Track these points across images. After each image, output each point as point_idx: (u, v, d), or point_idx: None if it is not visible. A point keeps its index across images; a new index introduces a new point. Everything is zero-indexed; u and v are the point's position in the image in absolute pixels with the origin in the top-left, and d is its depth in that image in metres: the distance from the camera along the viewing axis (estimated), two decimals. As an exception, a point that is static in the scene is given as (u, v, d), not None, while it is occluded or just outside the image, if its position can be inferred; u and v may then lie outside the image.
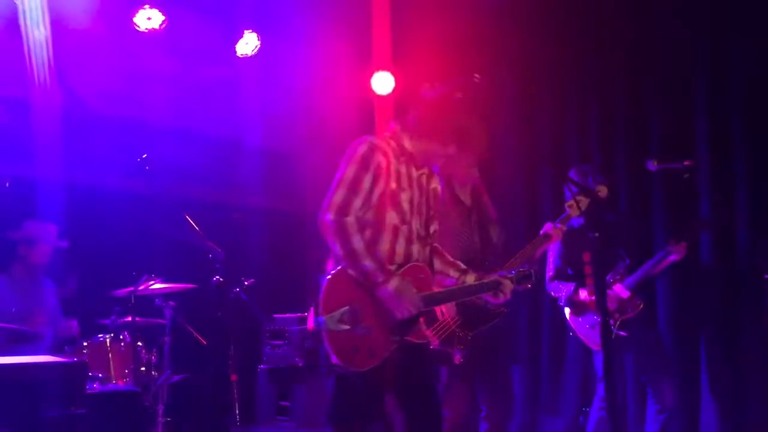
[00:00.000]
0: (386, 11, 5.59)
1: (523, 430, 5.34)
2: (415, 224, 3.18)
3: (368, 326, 3.01)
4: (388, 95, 5.79)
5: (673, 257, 4.26)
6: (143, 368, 4.77)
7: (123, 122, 5.61)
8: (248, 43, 5.57)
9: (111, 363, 4.57)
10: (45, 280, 5.08)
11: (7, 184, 3.96)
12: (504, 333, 4.01)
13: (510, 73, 5.49)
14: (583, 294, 4.33)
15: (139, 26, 5.18)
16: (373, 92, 5.82)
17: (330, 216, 3.02)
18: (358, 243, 3.00)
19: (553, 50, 5.35)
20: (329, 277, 3.00)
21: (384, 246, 3.09)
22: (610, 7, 5.16)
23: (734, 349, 4.66)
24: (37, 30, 4.80)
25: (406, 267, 3.13)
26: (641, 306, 4.30)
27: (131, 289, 4.71)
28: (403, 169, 3.17)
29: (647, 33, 5.05)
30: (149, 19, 5.16)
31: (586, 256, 4.23)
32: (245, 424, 4.38)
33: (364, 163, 3.07)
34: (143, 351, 4.84)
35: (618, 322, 4.24)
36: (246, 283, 5.03)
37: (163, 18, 5.18)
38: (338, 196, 3.05)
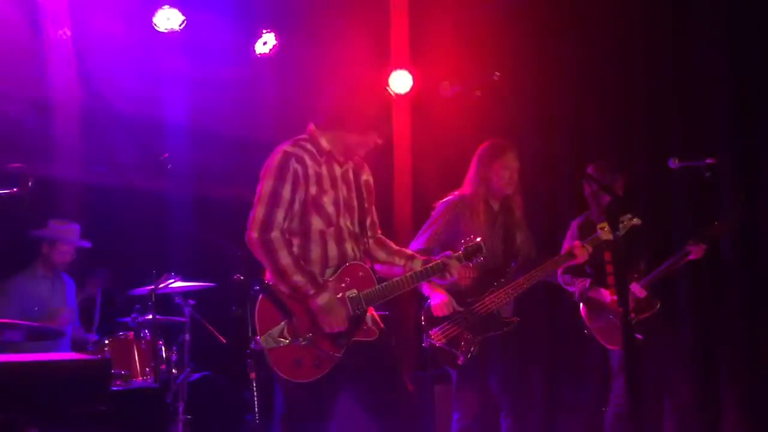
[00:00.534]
0: (404, 9, 5.59)
1: (542, 429, 5.33)
2: (345, 223, 3.16)
3: (309, 336, 3.01)
4: (407, 94, 5.78)
5: (691, 257, 4.23)
6: (164, 366, 4.79)
7: (143, 122, 5.64)
8: (266, 43, 5.59)
9: (133, 360, 4.61)
10: (67, 279, 5.13)
11: (30, 183, 3.98)
12: (519, 332, 3.99)
13: (529, 71, 5.46)
14: (602, 292, 4.31)
15: (158, 26, 5.22)
16: (391, 91, 5.81)
17: (254, 234, 3.03)
18: (285, 258, 3.00)
19: (572, 47, 5.32)
20: (260, 297, 3.01)
21: (315, 252, 3.09)
22: (630, 4, 5.13)
23: (756, 348, 4.63)
24: (59, 31, 4.85)
25: (342, 269, 3.12)
26: (658, 305, 4.27)
27: (152, 287, 4.74)
28: (324, 170, 3.14)
29: (669, 30, 5.01)
30: (169, 19, 5.20)
31: (607, 255, 4.21)
32: (264, 422, 4.38)
33: (280, 174, 3.06)
34: (164, 349, 4.87)
35: (634, 322, 4.22)
36: (266, 281, 5.03)
37: (182, 18, 5.22)
38: (260, 212, 3.05)
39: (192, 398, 4.80)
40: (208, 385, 5.14)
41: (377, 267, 3.30)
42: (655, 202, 5.01)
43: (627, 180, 4.42)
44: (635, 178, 4.79)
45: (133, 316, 4.82)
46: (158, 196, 5.41)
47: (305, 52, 5.77)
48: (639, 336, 4.13)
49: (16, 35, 4.84)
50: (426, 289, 3.94)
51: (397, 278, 3.23)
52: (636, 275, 4.29)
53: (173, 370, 4.78)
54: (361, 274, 3.15)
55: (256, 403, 4.62)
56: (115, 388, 4.36)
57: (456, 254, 3.29)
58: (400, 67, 5.74)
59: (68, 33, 4.31)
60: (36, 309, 4.79)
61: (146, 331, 4.76)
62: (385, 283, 3.20)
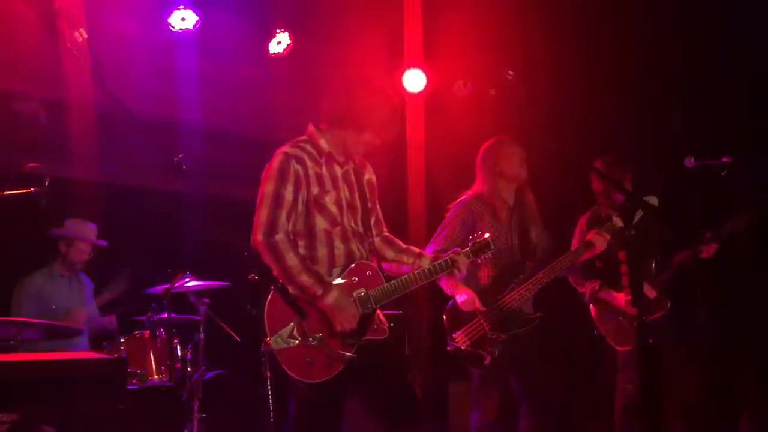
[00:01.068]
0: (418, 8, 5.59)
1: (559, 424, 5.32)
2: (349, 223, 3.17)
3: (319, 336, 3.01)
4: (420, 93, 5.78)
5: (703, 255, 4.21)
6: (179, 364, 4.83)
7: (158, 121, 5.67)
8: (280, 43, 5.61)
9: (148, 359, 4.64)
10: (84, 278, 5.18)
11: (47, 183, 4.02)
12: (541, 337, 3.98)
13: (543, 70, 5.45)
14: (613, 294, 4.29)
15: (173, 27, 5.24)
16: (404, 90, 5.82)
17: (259, 237, 3.06)
18: (291, 260, 3.02)
19: (586, 46, 5.31)
20: (269, 298, 3.02)
21: (321, 252, 3.11)
22: (644, 2, 5.10)
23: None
24: (75, 32, 4.88)
25: (350, 268, 3.12)
26: (668, 306, 4.25)
27: (167, 286, 4.77)
28: (324, 171, 3.16)
29: (683, 27, 4.98)
30: (183, 19, 5.23)
31: (621, 255, 4.19)
32: (279, 420, 4.41)
33: (281, 176, 3.08)
34: (179, 347, 4.90)
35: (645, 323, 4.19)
36: (280, 280, 5.06)
37: (196, 18, 5.24)
38: (263, 215, 3.07)
39: (207, 396, 4.83)
40: (223, 384, 5.17)
41: (385, 266, 3.31)
42: (669, 201, 4.98)
43: (636, 173, 4.40)
44: (649, 176, 4.77)
45: (148, 314, 4.85)
46: (173, 196, 5.44)
47: (319, 52, 5.79)
48: (650, 340, 4.12)
49: (33, 36, 4.88)
50: (449, 288, 3.94)
51: (405, 276, 3.22)
52: (647, 275, 4.27)
53: (188, 369, 4.82)
54: (369, 272, 3.16)
55: (270, 401, 4.65)
56: (131, 387, 4.40)
57: (464, 250, 3.29)
58: (414, 66, 5.74)
59: (84, 35, 4.34)
60: (53, 308, 4.83)
61: (161, 329, 4.79)
62: (393, 281, 3.20)
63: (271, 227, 3.04)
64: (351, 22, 5.71)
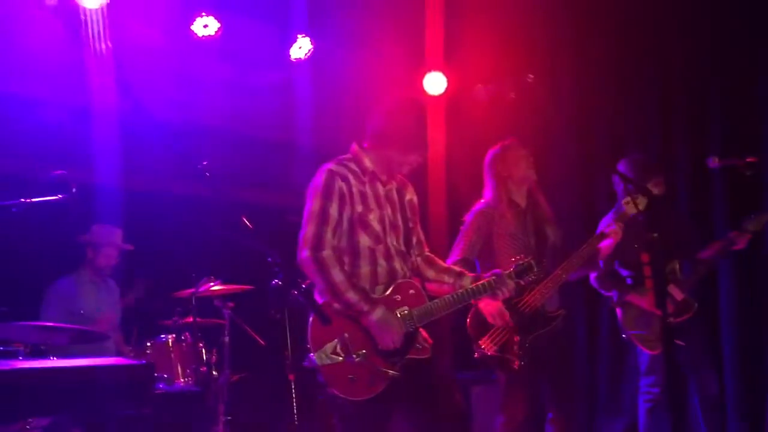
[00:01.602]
0: (439, 12, 5.59)
1: (584, 428, 5.30)
2: (392, 241, 3.18)
3: (363, 353, 3.02)
4: (441, 96, 5.78)
5: (736, 247, 4.16)
6: (204, 368, 4.87)
7: (180, 127, 5.73)
8: (301, 47, 5.64)
9: (174, 363, 4.69)
10: (111, 282, 5.25)
11: (74, 190, 4.08)
12: (564, 335, 3.98)
13: (566, 71, 5.43)
14: (641, 296, 4.26)
15: (196, 33, 5.29)
16: (425, 93, 5.82)
17: (306, 253, 3.08)
18: (338, 276, 3.03)
19: (610, 46, 5.27)
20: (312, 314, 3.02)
21: (364, 269, 3.12)
22: (668, 1, 5.07)
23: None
24: (99, 41, 4.95)
25: (393, 286, 3.13)
26: (696, 306, 4.22)
27: (192, 290, 4.82)
28: (368, 189, 3.18)
29: (709, 27, 4.94)
30: (206, 26, 5.27)
31: (645, 257, 4.16)
32: (303, 423, 4.43)
33: (327, 193, 3.11)
34: (204, 351, 4.95)
35: (672, 325, 4.16)
36: (303, 285, 5.09)
37: (218, 25, 5.28)
38: (309, 232, 3.09)
39: (232, 400, 4.87)
40: (248, 387, 5.21)
41: (426, 285, 3.30)
42: (694, 202, 4.94)
43: (661, 175, 4.36)
44: (674, 177, 4.74)
45: (174, 318, 4.90)
46: (197, 201, 5.48)
47: (340, 56, 5.81)
48: (679, 342, 4.09)
49: (58, 45, 4.95)
50: None
51: (449, 295, 3.22)
52: (673, 277, 4.24)
53: (213, 372, 4.86)
54: (411, 291, 3.16)
55: (294, 404, 4.68)
56: (157, 391, 4.45)
57: (507, 272, 3.27)
58: (435, 69, 5.75)
59: (109, 45, 4.41)
60: (81, 312, 4.90)
61: (187, 333, 4.84)
62: (436, 301, 3.19)
63: (318, 243, 3.06)
64: (372, 25, 5.73)
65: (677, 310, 4.19)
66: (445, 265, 3.39)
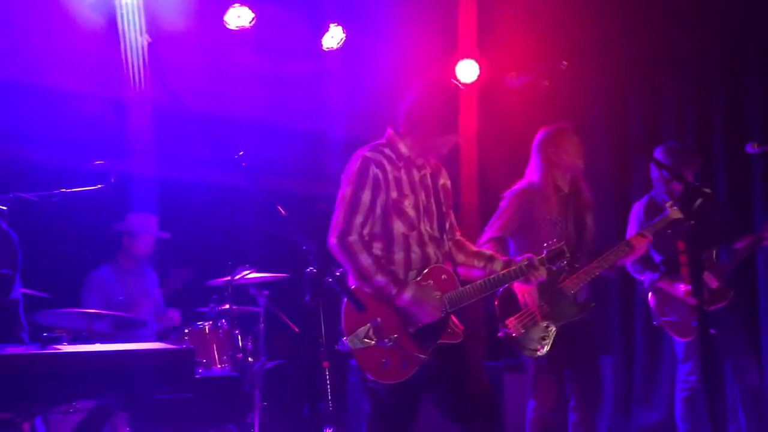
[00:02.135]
0: (473, -1, 5.57)
1: (616, 421, 5.29)
2: (425, 227, 3.18)
3: (395, 337, 3.04)
4: (473, 83, 5.77)
5: (766, 243, 4.13)
6: (240, 354, 4.94)
7: (214, 118, 5.79)
8: (334, 37, 5.65)
9: (211, 349, 4.76)
10: (148, 270, 5.35)
11: (113, 180, 4.17)
12: (593, 323, 3.96)
13: (600, 58, 5.37)
14: (674, 283, 4.24)
15: (229, 24, 5.34)
16: (457, 81, 5.81)
17: (333, 239, 3.10)
18: (365, 260, 3.05)
19: (645, 32, 5.22)
20: (345, 298, 3.06)
21: (398, 255, 3.13)
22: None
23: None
24: (135, 34, 5.02)
25: (426, 271, 3.13)
26: (732, 294, 4.18)
27: (228, 278, 4.89)
28: (403, 175, 3.17)
29: (746, 11, 4.86)
30: (239, 17, 5.31)
31: (681, 244, 4.13)
32: (337, 409, 4.49)
33: (360, 180, 3.11)
34: (240, 338, 5.02)
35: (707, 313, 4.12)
36: (337, 272, 5.14)
37: (252, 15, 5.32)
38: (339, 218, 3.12)
39: (267, 386, 4.94)
40: (283, 373, 5.28)
41: (457, 269, 3.30)
42: (732, 188, 4.89)
43: (697, 164, 4.32)
44: (712, 164, 4.69)
45: (210, 306, 4.98)
46: (231, 190, 5.55)
47: (373, 45, 5.81)
48: (712, 331, 4.06)
49: (95, 39, 5.03)
50: None
51: (481, 281, 3.22)
52: (708, 265, 4.21)
53: (249, 359, 4.92)
54: (444, 276, 3.17)
55: (329, 390, 4.74)
56: (197, 376, 4.53)
57: (539, 258, 3.26)
58: (468, 57, 5.73)
59: (149, 39, 4.48)
60: (121, 299, 5.00)
61: (223, 320, 4.91)
62: (468, 286, 3.20)
63: (346, 229, 3.08)
64: (404, 13, 5.72)
65: (712, 298, 4.16)
66: (475, 249, 3.39)
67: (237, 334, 4.91)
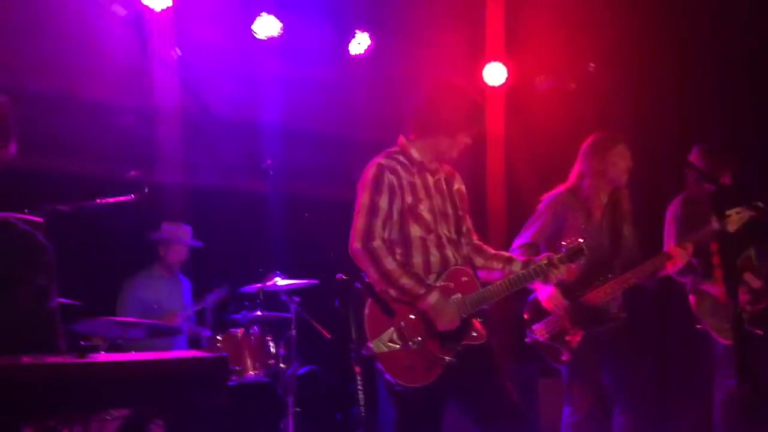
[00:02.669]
0: (500, 2, 5.55)
1: (654, 421, 5.22)
2: (443, 230, 3.19)
3: (419, 340, 3.05)
4: (501, 87, 5.76)
5: None
6: (272, 360, 4.98)
7: (243, 125, 5.84)
8: (360, 43, 5.68)
9: (244, 356, 4.80)
10: (183, 279, 5.41)
11: (146, 190, 4.24)
12: (626, 336, 3.91)
13: (628, 60, 5.33)
14: (713, 284, 4.17)
15: (257, 34, 5.39)
16: (485, 84, 5.80)
17: (357, 245, 3.11)
18: (390, 264, 3.07)
19: (673, 33, 5.16)
20: (368, 303, 3.07)
21: (417, 259, 3.14)
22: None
23: None
24: (166, 47, 5.10)
25: (446, 273, 3.15)
26: None
27: (260, 285, 4.93)
28: (417, 180, 3.19)
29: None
30: (267, 26, 5.36)
31: (714, 246, 4.07)
32: (370, 414, 4.51)
33: (376, 186, 3.13)
34: (271, 344, 5.06)
35: (750, 315, 4.06)
36: (366, 279, 5.15)
37: (280, 25, 5.36)
38: (360, 224, 3.13)
39: (300, 392, 4.97)
40: (315, 379, 5.30)
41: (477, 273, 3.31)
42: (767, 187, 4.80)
43: (736, 165, 4.24)
44: (746, 164, 4.61)
45: (243, 313, 5.02)
46: (262, 197, 5.60)
47: (400, 50, 5.83)
48: (759, 332, 3.98)
49: (126, 51, 5.11)
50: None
51: (500, 282, 3.22)
52: (748, 265, 4.13)
53: (281, 365, 4.96)
54: (464, 278, 3.18)
55: (361, 395, 4.75)
56: (231, 383, 4.57)
57: (558, 256, 3.24)
58: (495, 60, 5.72)
59: (179, 52, 4.54)
60: (155, 307, 5.06)
61: (255, 327, 4.95)
62: (489, 287, 3.20)
63: (369, 235, 3.10)
64: (432, 17, 5.72)
65: (754, 298, 4.08)
66: (493, 251, 3.39)
67: (269, 341, 4.95)
